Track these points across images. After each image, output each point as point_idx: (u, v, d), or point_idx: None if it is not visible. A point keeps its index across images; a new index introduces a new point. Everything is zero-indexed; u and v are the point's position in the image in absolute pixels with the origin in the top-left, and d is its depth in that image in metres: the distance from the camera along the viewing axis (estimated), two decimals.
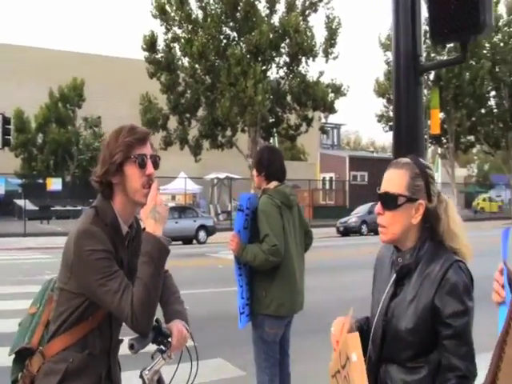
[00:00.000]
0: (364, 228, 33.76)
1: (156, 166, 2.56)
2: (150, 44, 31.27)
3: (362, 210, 35.17)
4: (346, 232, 33.21)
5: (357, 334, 2.19)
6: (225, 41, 31.11)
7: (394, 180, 2.32)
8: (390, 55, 42.50)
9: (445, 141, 44.89)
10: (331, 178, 54.56)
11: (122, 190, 2.49)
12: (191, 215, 27.77)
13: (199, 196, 44.72)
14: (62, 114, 45.21)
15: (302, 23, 30.55)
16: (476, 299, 2.27)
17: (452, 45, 30.85)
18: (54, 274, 2.68)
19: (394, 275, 2.36)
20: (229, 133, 32.92)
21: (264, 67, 30.32)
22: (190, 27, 30.34)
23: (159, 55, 31.59)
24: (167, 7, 30.85)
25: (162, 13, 30.80)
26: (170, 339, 2.55)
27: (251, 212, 4.51)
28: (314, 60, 31.77)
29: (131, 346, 2.38)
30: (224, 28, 31.08)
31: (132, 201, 2.49)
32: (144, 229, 2.43)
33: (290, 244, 4.54)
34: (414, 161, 2.36)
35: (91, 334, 2.47)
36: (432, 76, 42.16)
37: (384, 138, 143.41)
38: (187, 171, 39.47)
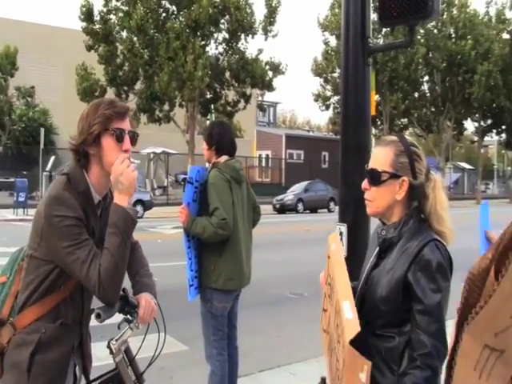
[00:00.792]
0: (300, 206, 34.21)
1: (133, 142, 2.57)
2: (87, 14, 30.46)
3: (298, 188, 35.58)
4: (282, 209, 33.50)
5: (336, 233, 2.45)
6: (164, 14, 30.66)
7: (379, 157, 2.41)
8: (328, 35, 42.87)
9: (379, 123, 45.73)
10: (267, 155, 54.83)
11: (98, 161, 2.51)
12: None
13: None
14: None
15: (242, 0, 30.45)
16: None
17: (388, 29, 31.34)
18: None
19: (378, 247, 2.46)
20: (167, 107, 32.59)
21: (203, 42, 30.09)
22: None
23: (97, 26, 30.87)
24: None
25: None
26: (137, 309, 2.58)
27: (200, 185, 4.55)
28: (253, 37, 31.73)
29: (97, 315, 2.40)
30: (163, 1, 30.63)
31: (107, 173, 2.49)
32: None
33: (238, 219, 4.59)
34: (400, 139, 2.43)
35: (63, 303, 2.47)
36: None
37: (320, 118, 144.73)
38: None
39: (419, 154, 2.42)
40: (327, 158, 56.22)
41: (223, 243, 4.49)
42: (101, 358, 3.25)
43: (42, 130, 29.72)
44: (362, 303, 2.39)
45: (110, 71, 31.09)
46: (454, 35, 42.67)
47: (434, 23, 42.10)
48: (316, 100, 44.95)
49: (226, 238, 4.47)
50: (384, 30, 37.10)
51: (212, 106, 32.99)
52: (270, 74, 32.24)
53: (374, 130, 53.49)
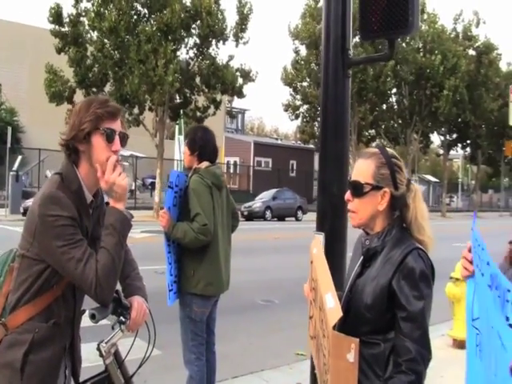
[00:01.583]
0: (268, 213, 34.33)
1: (123, 143, 2.58)
2: (56, 16, 30.08)
3: (266, 195, 35.71)
4: (251, 216, 33.59)
5: (318, 237, 2.45)
6: (135, 17, 30.49)
7: (362, 169, 2.48)
8: (298, 44, 43.12)
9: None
10: (235, 162, 54.82)
11: (88, 159, 2.51)
12: None
13: None
14: None
15: (214, 5, 30.44)
16: None
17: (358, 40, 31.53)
18: None
19: (362, 257, 2.52)
20: (136, 111, 32.40)
21: (174, 47, 29.99)
22: (100, 0, 29.49)
23: (66, 28, 30.50)
24: None
25: None
26: (129, 312, 2.59)
27: (180, 190, 4.57)
28: (224, 43, 31.68)
29: (92, 316, 2.41)
30: (135, 4, 30.46)
31: (96, 172, 2.49)
32: (108, 203, 2.48)
33: (218, 225, 4.63)
34: (381, 151, 2.52)
35: (56, 303, 2.46)
36: None
37: (288, 126, 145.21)
38: None
39: (400, 166, 2.51)
40: (295, 167, 56.47)
41: (203, 249, 4.52)
42: (90, 359, 3.24)
43: (9, 129, 29.22)
44: (347, 311, 2.44)
45: (80, 73, 30.77)
46: (422, 49, 43.28)
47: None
48: (286, 110, 45.15)
49: (206, 244, 4.50)
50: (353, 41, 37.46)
51: (181, 111, 32.89)
52: (241, 80, 32.26)
53: None
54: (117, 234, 2.39)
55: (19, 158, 31.21)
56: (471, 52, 47.79)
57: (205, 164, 4.68)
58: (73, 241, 2.35)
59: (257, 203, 34.74)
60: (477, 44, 47.95)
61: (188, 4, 30.44)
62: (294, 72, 43.76)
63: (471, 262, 1.99)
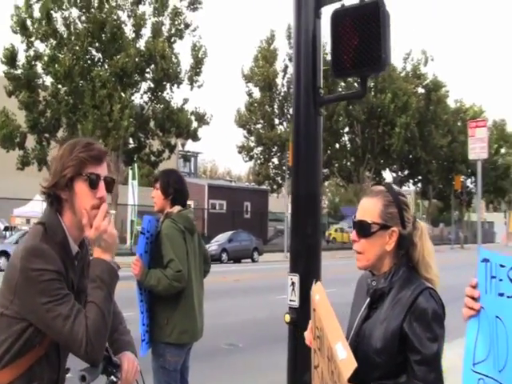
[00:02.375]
0: (224, 256, 34.00)
1: (110, 188, 2.40)
2: (10, 59, 29.82)
3: (222, 238, 35.44)
4: None
5: (319, 283, 2.35)
6: (90, 62, 30.41)
7: (368, 208, 2.37)
8: (251, 86, 43.62)
9: None
10: (190, 205, 54.45)
11: (71, 207, 2.32)
12: None
13: None
14: None
15: (168, 49, 30.60)
16: None
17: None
18: None
19: (369, 298, 2.40)
20: None
21: (131, 91, 29.96)
22: (54, 43, 29.33)
23: (19, 71, 30.20)
24: (28, 22, 29.70)
25: (23, 28, 29.58)
26: (120, 370, 2.38)
27: (151, 235, 4.42)
28: (178, 87, 31.90)
29: (82, 378, 2.18)
30: (89, 48, 30.41)
31: (80, 220, 2.32)
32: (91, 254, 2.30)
33: (191, 270, 4.48)
34: (388, 189, 2.41)
35: (38, 364, 2.24)
36: (291, 110, 43.68)
37: (240, 168, 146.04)
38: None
39: (407, 203, 2.41)
40: (249, 208, 56.44)
41: (177, 295, 4.35)
42: None
43: None
44: (355, 357, 2.32)
45: (32, 118, 30.38)
46: (373, 88, 44.23)
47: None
48: (240, 152, 45.38)
49: (180, 290, 4.34)
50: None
51: (136, 156, 32.70)
52: (195, 123, 32.35)
53: None
54: (105, 287, 2.22)
55: None
56: (421, 90, 49.10)
57: (177, 208, 4.54)
58: (59, 296, 2.16)
59: (212, 246, 34.38)
60: (426, 82, 49.34)
61: (142, 48, 30.53)
62: (247, 114, 44.14)
63: (475, 299, 1.87)
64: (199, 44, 31.85)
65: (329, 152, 44.67)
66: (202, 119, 32.57)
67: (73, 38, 29.10)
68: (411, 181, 57.27)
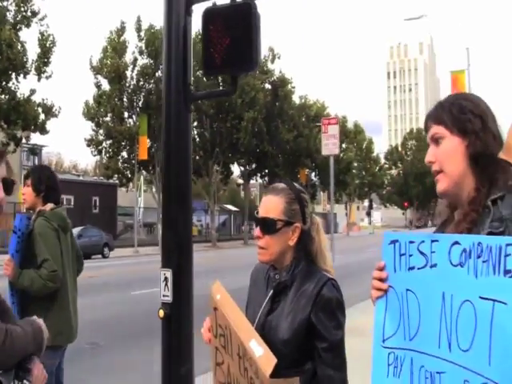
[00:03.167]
0: None
1: (9, 190, 2.31)
2: None
3: None
4: None
5: (218, 282, 2.44)
6: None
7: (272, 205, 2.45)
8: (100, 78, 42.57)
9: (151, 167, 46.17)
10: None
11: None
12: None
13: None
14: None
15: (14, 37, 29.00)
16: None
17: None
18: None
19: (271, 291, 2.48)
20: None
21: None
22: None
23: None
24: None
25: None
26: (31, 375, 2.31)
27: (22, 234, 4.25)
28: (25, 77, 30.32)
29: None
30: None
31: None
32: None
33: (66, 270, 4.37)
34: (290, 186, 2.51)
35: None
36: (141, 103, 43.19)
37: (87, 161, 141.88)
38: None
39: (307, 200, 2.54)
40: (98, 203, 55.16)
41: (51, 296, 4.24)
42: None
43: None
44: None
45: None
46: (222, 83, 44.71)
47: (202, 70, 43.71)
48: (89, 145, 44.16)
49: (55, 291, 4.22)
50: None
51: None
52: (43, 116, 30.96)
53: (145, 174, 53.90)
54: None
55: None
56: (268, 86, 50.31)
57: (49, 206, 4.40)
58: None
59: None
60: (273, 78, 50.61)
61: None
62: (96, 107, 43.04)
63: (383, 280, 2.02)
64: (47, 33, 30.50)
65: None
66: (49, 111, 31.19)
67: None
68: (259, 174, 58.58)
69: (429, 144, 2.05)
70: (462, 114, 1.96)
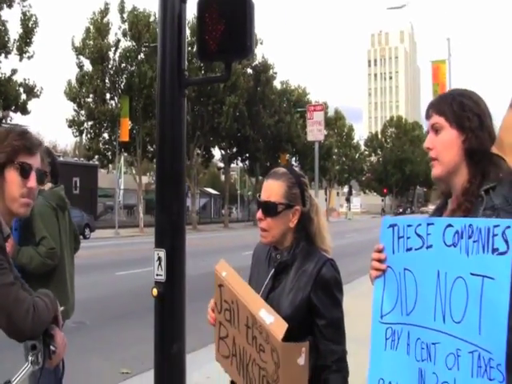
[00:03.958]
0: None
1: (41, 181, 2.44)
2: None
3: None
4: None
5: (222, 260, 2.61)
6: None
7: (274, 189, 2.60)
8: (82, 59, 42.24)
9: (132, 149, 46.01)
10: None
11: (1, 193, 2.34)
12: None
13: None
14: None
15: None
16: None
17: None
18: None
19: (273, 270, 2.64)
20: None
21: None
22: None
23: None
24: None
25: None
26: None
27: None
28: (6, 57, 30.02)
29: (33, 347, 2.29)
30: None
31: (9, 208, 2.35)
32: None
33: (63, 248, 4.50)
34: (290, 171, 2.67)
35: None
36: (123, 85, 42.95)
37: (66, 142, 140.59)
38: None
39: (306, 183, 2.70)
40: (78, 184, 54.83)
41: (49, 273, 4.36)
42: None
43: None
44: None
45: None
46: (204, 67, 44.61)
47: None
48: (70, 126, 43.87)
49: (53, 268, 4.35)
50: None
51: None
52: (24, 96, 30.73)
53: (126, 156, 53.67)
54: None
55: None
56: (250, 71, 50.27)
57: (48, 185, 4.51)
58: (2, 266, 2.21)
59: None
60: (255, 63, 50.55)
61: None
62: (78, 87, 42.74)
63: (381, 261, 2.20)
64: (29, 13, 30.25)
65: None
66: (31, 92, 30.95)
67: None
68: (239, 158, 58.67)
69: (428, 131, 2.22)
70: (463, 111, 2.13)
